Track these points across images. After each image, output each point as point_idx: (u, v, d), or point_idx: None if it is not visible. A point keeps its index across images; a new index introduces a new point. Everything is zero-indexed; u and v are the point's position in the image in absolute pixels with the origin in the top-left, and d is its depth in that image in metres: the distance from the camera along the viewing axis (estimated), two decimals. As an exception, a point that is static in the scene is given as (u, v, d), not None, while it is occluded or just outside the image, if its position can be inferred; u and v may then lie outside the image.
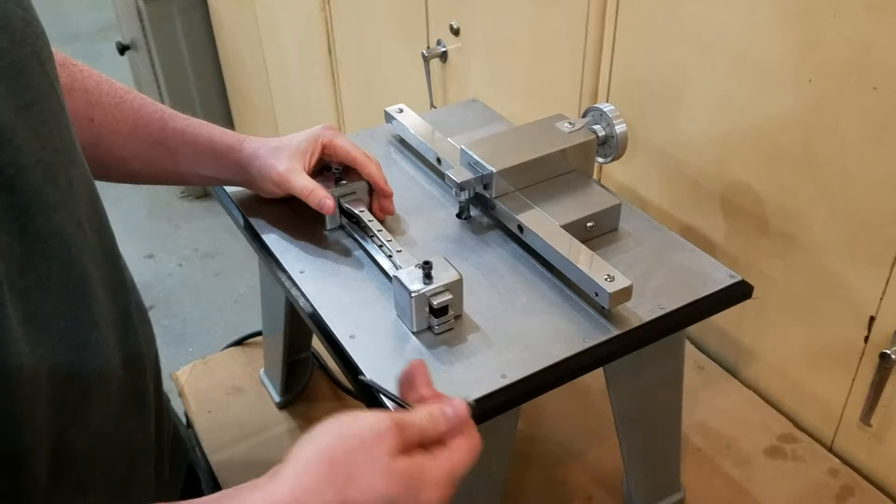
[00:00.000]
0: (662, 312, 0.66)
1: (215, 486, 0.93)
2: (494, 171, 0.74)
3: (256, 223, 0.78)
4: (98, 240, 0.54)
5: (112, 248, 0.56)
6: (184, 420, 1.01)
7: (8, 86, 0.45)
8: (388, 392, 0.56)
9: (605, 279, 0.65)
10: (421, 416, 0.49)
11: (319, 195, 0.73)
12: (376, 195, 0.77)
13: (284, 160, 0.74)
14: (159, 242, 2.56)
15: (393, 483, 0.45)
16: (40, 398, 0.46)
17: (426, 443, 0.48)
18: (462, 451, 0.49)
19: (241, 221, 0.80)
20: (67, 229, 0.49)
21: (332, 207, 0.73)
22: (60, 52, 0.72)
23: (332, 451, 0.45)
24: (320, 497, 0.44)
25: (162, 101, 2.61)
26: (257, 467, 0.96)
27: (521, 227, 0.73)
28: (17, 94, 0.46)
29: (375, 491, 0.44)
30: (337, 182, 0.77)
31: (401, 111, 0.91)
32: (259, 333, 1.07)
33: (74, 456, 0.51)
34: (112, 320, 0.54)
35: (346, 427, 0.46)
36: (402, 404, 0.53)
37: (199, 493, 0.82)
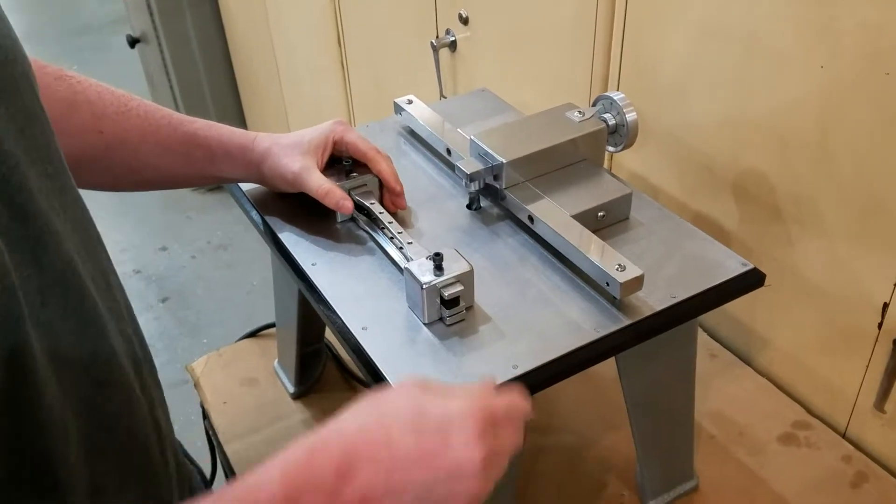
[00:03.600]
0: (674, 302, 0.66)
1: (232, 476, 0.94)
2: (504, 161, 0.74)
3: (268, 216, 0.79)
4: (94, 265, 0.51)
5: (106, 275, 0.54)
6: (200, 411, 1.02)
7: (6, 107, 0.43)
8: None
9: (617, 269, 0.65)
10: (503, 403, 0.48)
11: (336, 196, 0.73)
12: (387, 189, 0.77)
13: (298, 159, 0.74)
14: (172, 235, 2.58)
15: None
16: (71, 439, 0.45)
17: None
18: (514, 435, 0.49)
19: (253, 215, 0.80)
20: (74, 258, 0.47)
21: (351, 208, 0.74)
22: (53, 65, 0.69)
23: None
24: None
25: (173, 94, 2.61)
26: (273, 457, 0.96)
27: (531, 218, 0.73)
28: (14, 118, 0.44)
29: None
30: (348, 175, 0.77)
31: (410, 102, 0.91)
32: (272, 325, 1.08)
33: (105, 454, 0.50)
34: (123, 349, 0.52)
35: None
36: None
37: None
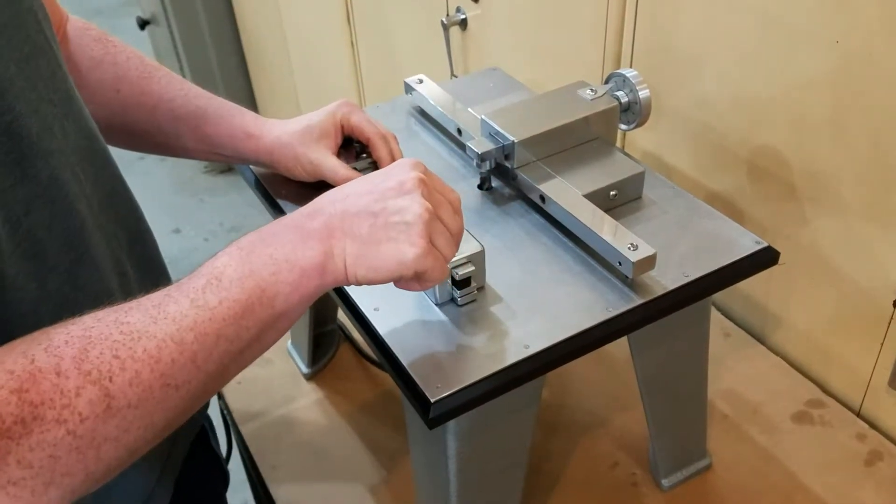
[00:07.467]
0: (687, 280, 0.66)
1: (247, 455, 0.95)
2: (515, 140, 0.73)
3: (280, 199, 0.79)
4: (94, 190, 0.57)
5: (109, 199, 0.60)
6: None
7: (8, 38, 0.49)
8: None
9: (629, 248, 0.64)
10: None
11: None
12: None
13: (312, 147, 0.74)
14: (185, 217, 2.59)
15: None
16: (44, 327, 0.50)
17: None
18: None
19: (265, 197, 0.80)
20: (63, 175, 0.52)
21: None
22: (98, 29, 0.75)
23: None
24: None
25: (183, 76, 2.60)
26: (287, 436, 0.97)
27: (543, 198, 0.72)
28: (17, 47, 0.50)
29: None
30: (358, 156, 0.77)
31: (420, 82, 0.91)
32: (285, 306, 1.08)
33: None
34: (111, 266, 0.58)
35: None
36: None
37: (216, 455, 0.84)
